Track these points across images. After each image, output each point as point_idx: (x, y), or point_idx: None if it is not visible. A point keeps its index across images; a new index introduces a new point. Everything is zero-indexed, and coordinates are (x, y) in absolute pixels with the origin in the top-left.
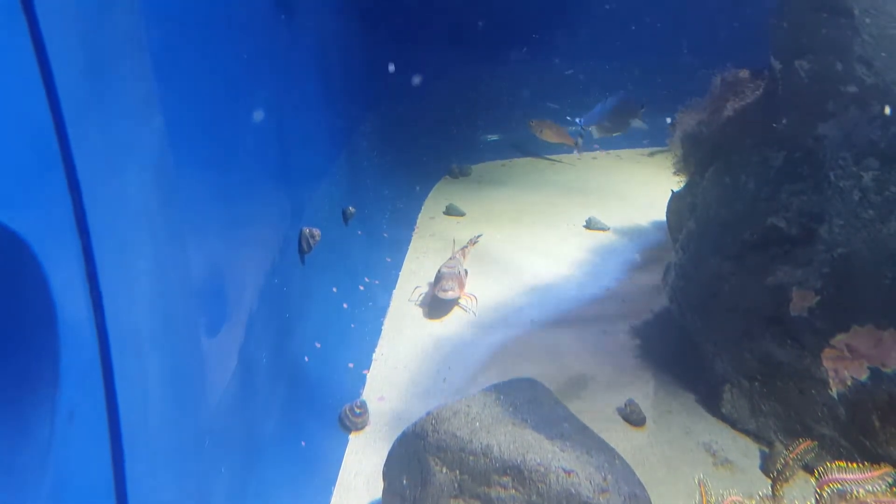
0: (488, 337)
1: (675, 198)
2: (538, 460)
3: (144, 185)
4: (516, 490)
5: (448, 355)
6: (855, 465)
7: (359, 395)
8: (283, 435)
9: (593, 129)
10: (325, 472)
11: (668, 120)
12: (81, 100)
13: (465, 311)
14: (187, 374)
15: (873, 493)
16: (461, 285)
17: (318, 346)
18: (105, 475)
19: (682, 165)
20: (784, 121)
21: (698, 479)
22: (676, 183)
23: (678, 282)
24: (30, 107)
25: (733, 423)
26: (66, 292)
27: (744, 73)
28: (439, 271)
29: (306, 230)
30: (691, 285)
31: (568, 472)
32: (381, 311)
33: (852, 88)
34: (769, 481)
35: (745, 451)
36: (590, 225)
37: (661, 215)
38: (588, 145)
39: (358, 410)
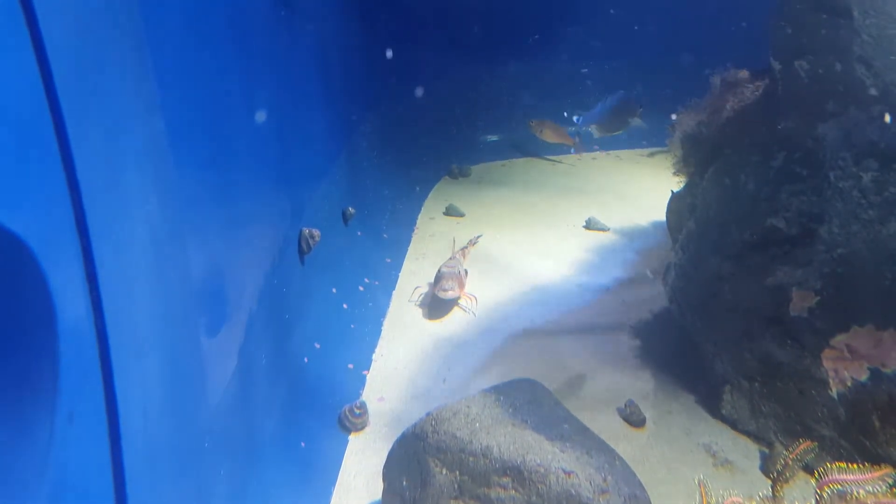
0: (488, 337)
1: (675, 198)
2: (538, 461)
3: (144, 185)
4: (516, 491)
5: (448, 356)
6: (855, 465)
7: (358, 395)
8: (283, 436)
9: (593, 129)
10: (325, 472)
11: (674, 117)
12: (81, 100)
13: (465, 311)
14: (187, 374)
15: (873, 493)
16: (461, 285)
17: (317, 346)
18: (105, 476)
19: (682, 166)
20: (784, 121)
21: (698, 479)
22: (676, 183)
23: (678, 282)
24: (29, 107)
25: (733, 424)
26: (65, 293)
27: (743, 74)
28: (439, 271)
29: (306, 231)
30: (691, 285)
31: (568, 473)
32: (381, 312)
33: (873, 91)
34: (769, 482)
35: (746, 452)
36: (589, 225)
37: (660, 216)
38: (588, 146)
39: (358, 411)
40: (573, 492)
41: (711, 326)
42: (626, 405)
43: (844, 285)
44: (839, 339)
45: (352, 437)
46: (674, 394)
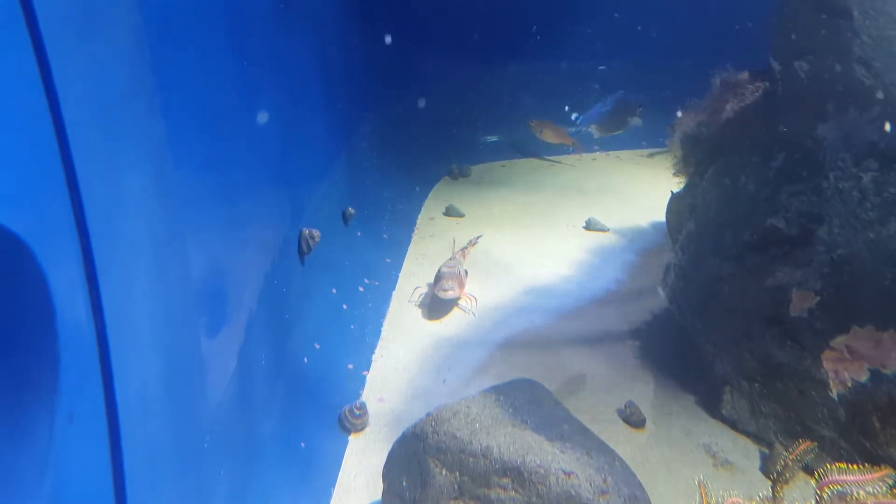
0: (488, 338)
1: (675, 199)
2: (538, 462)
3: (144, 185)
4: (516, 492)
5: (448, 356)
6: (855, 466)
7: (358, 396)
8: (283, 436)
9: (593, 129)
10: (325, 473)
11: (679, 114)
12: (81, 99)
13: (465, 311)
14: (187, 375)
15: (874, 494)
16: (461, 285)
17: (317, 347)
18: (104, 477)
19: (682, 166)
20: (783, 122)
21: (698, 480)
22: (676, 184)
23: (678, 283)
24: (29, 107)
25: (733, 425)
26: (65, 293)
27: (743, 75)
28: (439, 271)
29: (306, 231)
30: (691, 286)
31: (568, 474)
32: (381, 312)
33: (873, 92)
34: (769, 483)
35: (746, 453)
36: (589, 226)
37: (660, 216)
38: (588, 146)
39: (357, 412)
40: (573, 492)
41: (711, 327)
42: (625, 406)
43: (844, 286)
44: (839, 340)
45: (352, 437)
46: (674, 394)
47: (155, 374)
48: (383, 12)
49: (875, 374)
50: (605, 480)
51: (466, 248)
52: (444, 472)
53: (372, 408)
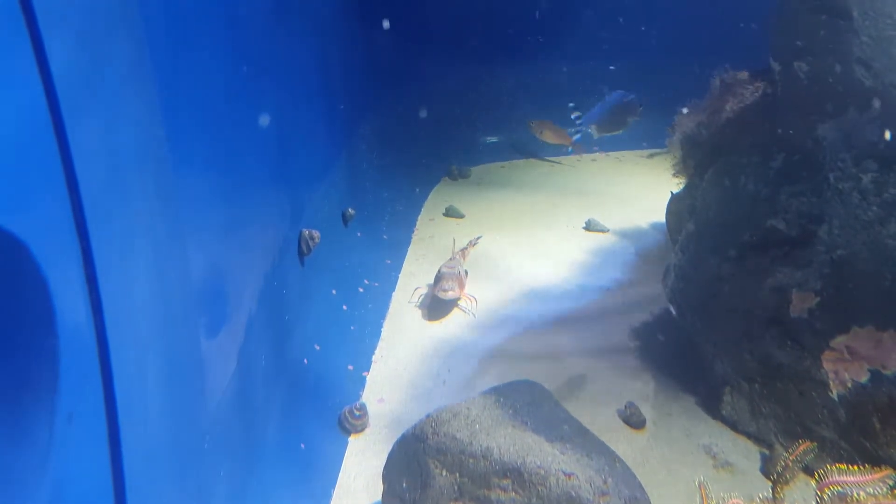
0: (488, 338)
1: (675, 199)
2: (538, 463)
3: (144, 186)
4: (516, 493)
5: (448, 357)
6: (855, 467)
7: (358, 397)
8: (283, 437)
9: (592, 129)
10: (325, 474)
11: (685, 110)
12: (80, 100)
13: (465, 312)
14: (187, 376)
15: (874, 495)
16: (461, 286)
17: (317, 348)
18: (104, 477)
19: (682, 167)
20: (783, 122)
21: (699, 481)
22: (676, 185)
23: (678, 283)
24: (29, 109)
25: (733, 426)
26: (65, 294)
27: (743, 75)
28: (439, 272)
29: (306, 232)
30: (691, 287)
31: (568, 475)
32: (381, 313)
33: (873, 93)
34: (770, 484)
35: (746, 454)
36: (589, 226)
37: (660, 217)
38: (587, 147)
39: (357, 413)
40: (573, 494)
41: (711, 327)
42: (626, 407)
43: (844, 286)
44: (839, 341)
45: (352, 438)
46: (674, 395)
47: (155, 374)
48: (383, 13)
49: (875, 375)
50: (605, 482)
51: (466, 248)
52: (444, 474)
53: (372, 409)
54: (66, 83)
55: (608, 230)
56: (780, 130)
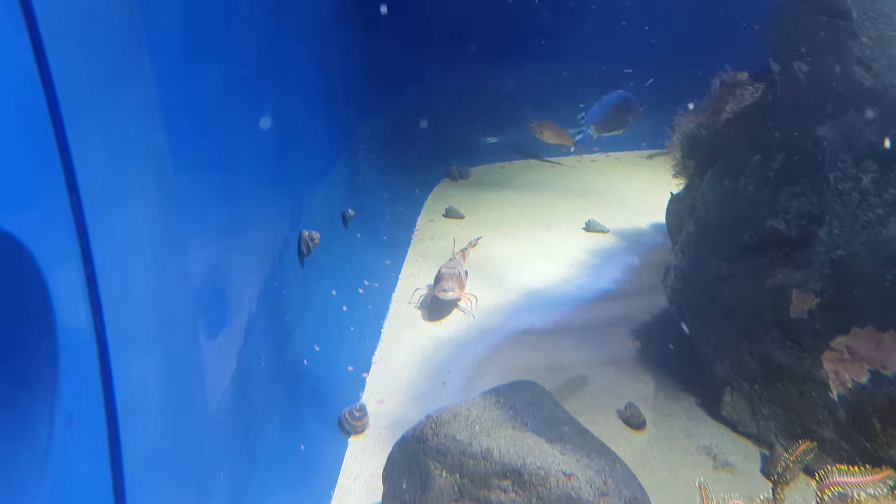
0: (488, 339)
1: (675, 200)
2: (538, 464)
3: (144, 188)
4: (516, 494)
5: (448, 358)
6: (856, 468)
7: (358, 398)
8: (283, 438)
9: (591, 129)
10: (325, 475)
11: (691, 105)
12: (80, 102)
13: (465, 313)
14: (186, 377)
15: (874, 496)
16: (461, 286)
17: (317, 348)
18: (104, 479)
19: (682, 168)
20: (783, 123)
21: (699, 482)
22: (676, 185)
23: (678, 284)
24: (29, 110)
25: (734, 426)
26: (64, 296)
27: (742, 76)
28: (439, 272)
29: (305, 233)
30: (691, 287)
31: (568, 476)
32: (381, 314)
33: (872, 93)
34: (770, 484)
35: (746, 454)
36: (589, 227)
37: (660, 218)
38: (587, 147)
39: (357, 414)
40: (573, 494)
41: (711, 328)
42: (626, 407)
43: (844, 287)
44: (839, 341)
45: (351, 439)
46: (674, 396)
47: (154, 376)
48: (383, 14)
49: (875, 375)
50: (605, 482)
51: (466, 249)
52: (444, 475)
53: (372, 410)
54: (66, 84)
55: (608, 231)
56: (779, 131)
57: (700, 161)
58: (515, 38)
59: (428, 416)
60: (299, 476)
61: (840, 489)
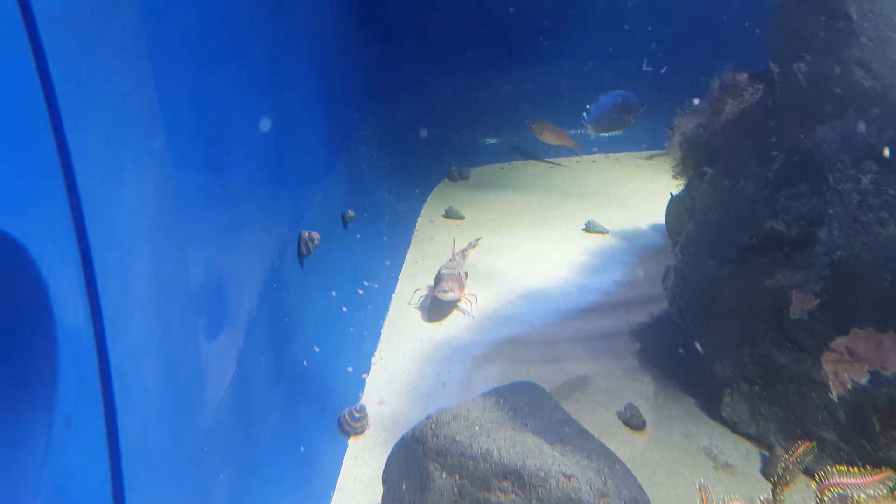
0: (488, 340)
1: (675, 201)
2: (538, 465)
3: (143, 189)
4: (516, 495)
5: (447, 358)
6: (856, 468)
7: (358, 399)
8: (282, 440)
9: (588, 128)
10: (325, 477)
11: (697, 101)
12: (80, 103)
13: (465, 314)
14: (186, 379)
15: (874, 497)
16: (461, 287)
17: (317, 349)
18: (103, 482)
19: (681, 168)
20: (782, 124)
21: (699, 483)
22: (675, 186)
23: (677, 285)
24: (28, 111)
25: (734, 427)
26: (64, 298)
27: (742, 77)
28: (439, 273)
29: (305, 234)
30: (690, 288)
31: (568, 477)
32: (381, 315)
33: (872, 94)
34: (770, 485)
35: (746, 455)
36: (589, 228)
37: (660, 218)
38: (587, 148)
39: (357, 415)
40: (573, 496)
41: (711, 329)
42: (626, 408)
43: (844, 288)
44: (839, 342)
45: (351, 440)
46: (674, 397)
47: (154, 378)
48: (382, 15)
49: (875, 376)
50: (605, 483)
51: (466, 249)
52: (444, 476)
53: (371, 411)
54: (66, 85)
55: (608, 231)
56: (779, 132)
57: (700, 162)
58: (516, 39)
59: (428, 417)
60: (299, 477)
61: (840, 490)
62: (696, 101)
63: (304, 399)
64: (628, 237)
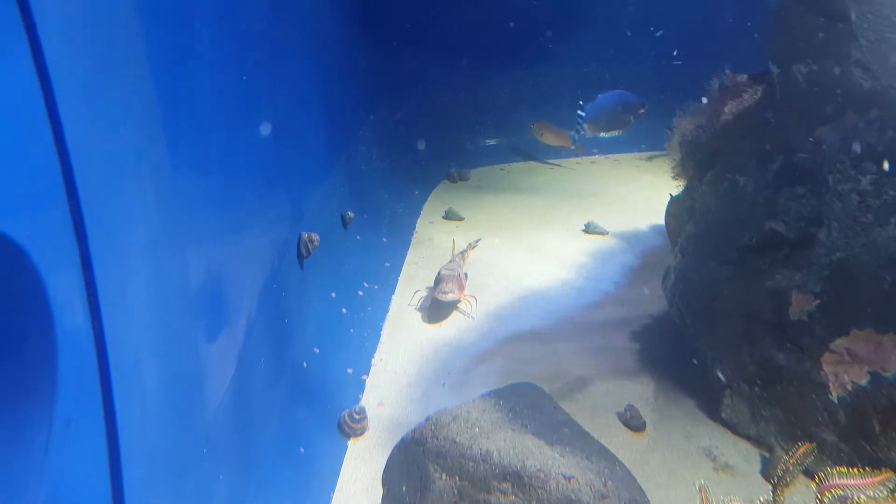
0: (488, 341)
1: (674, 202)
2: (538, 466)
3: (143, 191)
4: (516, 496)
5: (447, 360)
6: (856, 470)
7: (358, 400)
8: (282, 441)
9: (586, 128)
10: (324, 478)
11: (704, 100)
12: (79, 105)
13: (464, 315)
14: (186, 380)
15: (874, 498)
16: (461, 288)
17: (316, 351)
18: (102, 483)
19: (681, 169)
20: (782, 125)
21: (699, 484)
22: (675, 187)
23: (677, 285)
24: (28, 113)
25: (734, 428)
26: (63, 299)
27: (742, 78)
28: (439, 274)
29: (305, 235)
30: (690, 289)
31: (568, 478)
32: (381, 316)
33: (871, 95)
34: (770, 486)
35: (746, 456)
36: (589, 229)
37: (659, 219)
38: (587, 149)
39: (357, 416)
40: (573, 497)
41: (711, 330)
42: (626, 409)
43: (844, 289)
44: (839, 343)
45: (351, 442)
46: (674, 398)
47: (153, 379)
48: (382, 16)
49: (875, 377)
50: (605, 485)
51: (466, 251)
52: (443, 477)
53: (371, 412)
54: (65, 87)
55: (607, 233)
56: (778, 133)
57: (699, 163)
58: (516, 40)
59: (428, 419)
60: (299, 478)
61: (840, 491)
62: (703, 101)
63: (304, 400)
64: (628, 238)
